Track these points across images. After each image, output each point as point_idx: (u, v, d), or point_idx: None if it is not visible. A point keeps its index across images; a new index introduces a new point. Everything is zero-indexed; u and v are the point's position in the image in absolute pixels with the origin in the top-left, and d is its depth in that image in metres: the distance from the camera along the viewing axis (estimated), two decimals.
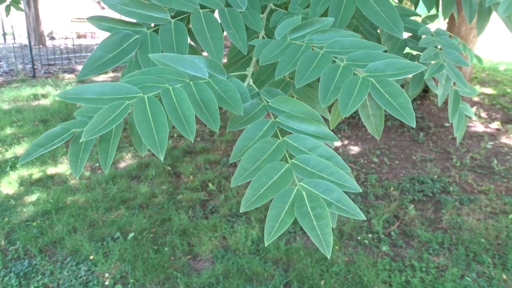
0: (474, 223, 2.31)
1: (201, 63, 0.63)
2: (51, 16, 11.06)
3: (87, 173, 2.97)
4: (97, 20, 0.68)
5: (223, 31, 0.72)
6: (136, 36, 0.69)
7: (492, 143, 3.49)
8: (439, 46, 0.84)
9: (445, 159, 3.22)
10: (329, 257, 0.50)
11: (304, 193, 0.51)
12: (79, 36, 10.40)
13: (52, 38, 10.79)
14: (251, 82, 0.73)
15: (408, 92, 0.83)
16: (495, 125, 3.85)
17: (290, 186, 0.52)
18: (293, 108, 0.63)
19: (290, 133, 0.60)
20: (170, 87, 0.54)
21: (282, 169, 0.53)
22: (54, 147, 0.55)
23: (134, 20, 0.69)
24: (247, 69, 0.76)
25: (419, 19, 0.96)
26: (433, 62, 0.80)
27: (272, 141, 0.57)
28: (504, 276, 1.88)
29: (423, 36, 0.87)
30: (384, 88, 0.57)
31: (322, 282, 1.86)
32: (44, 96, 4.96)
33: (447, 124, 3.85)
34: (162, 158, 0.47)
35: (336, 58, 0.64)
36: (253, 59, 0.77)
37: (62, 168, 3.05)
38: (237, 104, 0.57)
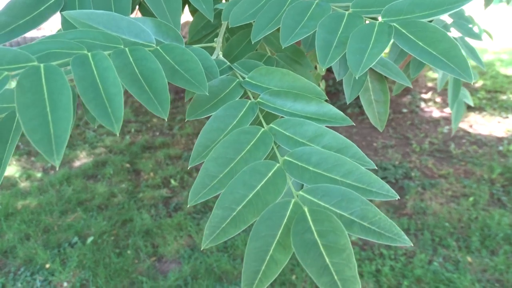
0: (437, 207, 2.36)
1: (148, 26, 0.45)
2: None
3: (39, 175, 2.78)
4: None
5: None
6: None
7: (448, 127, 3.59)
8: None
9: (405, 145, 3.28)
10: None
11: (305, 208, 0.33)
12: None
13: None
14: (221, 56, 0.55)
15: (409, 75, 0.74)
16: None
17: (283, 199, 0.34)
18: (281, 81, 0.45)
19: (280, 117, 0.43)
20: (89, 54, 0.36)
21: (269, 172, 0.35)
22: None
23: None
24: (215, 39, 0.59)
25: None
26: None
27: (251, 131, 0.39)
28: (469, 259, 1.92)
29: None
30: (415, 34, 0.40)
31: (294, 276, 1.83)
32: None
33: (405, 110, 3.92)
34: (57, 165, 0.30)
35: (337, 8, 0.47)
36: (221, 28, 0.61)
37: (11, 170, 2.84)
38: (198, 79, 0.39)
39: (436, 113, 3.88)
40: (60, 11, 0.48)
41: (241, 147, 0.38)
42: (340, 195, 0.33)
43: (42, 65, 0.34)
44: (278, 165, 0.36)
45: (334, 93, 3.85)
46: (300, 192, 0.35)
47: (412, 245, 0.32)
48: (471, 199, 2.43)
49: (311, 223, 0.32)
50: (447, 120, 3.74)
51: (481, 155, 2.98)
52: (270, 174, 0.35)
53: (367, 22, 0.44)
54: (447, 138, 3.37)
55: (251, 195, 0.34)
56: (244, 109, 0.42)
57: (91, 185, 2.66)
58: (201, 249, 0.32)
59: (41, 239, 2.11)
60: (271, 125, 0.41)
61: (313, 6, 0.47)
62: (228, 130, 0.40)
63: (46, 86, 0.32)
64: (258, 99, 0.44)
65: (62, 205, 2.42)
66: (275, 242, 0.32)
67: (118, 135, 0.44)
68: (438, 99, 4.17)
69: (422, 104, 4.04)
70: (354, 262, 0.30)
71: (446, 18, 0.80)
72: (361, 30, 0.42)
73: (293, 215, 0.33)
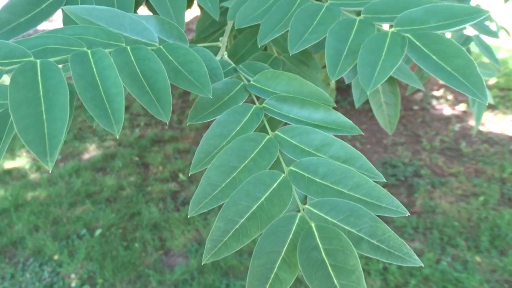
0: (447, 206, 2.33)
1: (151, 24, 0.44)
2: None
3: None
4: None
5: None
6: None
7: (459, 125, 3.55)
8: None
9: (415, 142, 3.25)
10: None
11: (312, 224, 0.31)
12: None
13: None
14: (225, 57, 0.54)
15: (422, 76, 0.71)
16: (462, 107, 3.91)
17: (288, 212, 0.33)
18: (287, 86, 0.43)
19: (285, 124, 0.41)
20: (89, 51, 0.35)
21: (274, 183, 0.34)
22: None
23: None
24: (220, 39, 0.57)
25: None
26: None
27: (256, 138, 0.38)
28: (478, 259, 1.90)
29: (443, 3, 0.74)
30: (429, 47, 0.38)
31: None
32: None
33: (416, 107, 3.88)
34: (50, 168, 0.29)
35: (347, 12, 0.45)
36: (227, 26, 0.59)
37: (21, 161, 2.87)
38: (202, 81, 0.37)
39: (447, 111, 3.84)
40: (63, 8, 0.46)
41: (244, 155, 0.36)
42: (348, 210, 0.32)
43: (38, 61, 0.32)
44: (283, 175, 0.35)
45: (344, 89, 3.82)
46: (307, 206, 0.33)
47: (423, 265, 0.31)
48: (481, 198, 2.40)
49: (318, 240, 0.30)
50: (458, 118, 3.69)
51: (492, 154, 2.94)
52: (275, 185, 0.34)
53: (381, 29, 0.43)
54: (458, 136, 3.33)
55: (255, 207, 0.32)
56: (249, 115, 0.40)
57: (100, 178, 2.67)
58: (202, 264, 0.31)
59: (50, 231, 2.12)
60: (276, 132, 0.39)
61: (323, 9, 0.45)
62: (232, 136, 0.39)
63: (42, 83, 0.30)
64: (264, 104, 0.42)
65: (71, 197, 2.43)
66: (280, 259, 0.30)
67: (118, 137, 0.40)
68: (449, 97, 4.12)
69: (434, 102, 4.00)
70: (364, 285, 0.29)
71: None
72: (372, 40, 0.40)
73: (299, 231, 0.31)
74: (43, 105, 0.29)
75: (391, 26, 0.42)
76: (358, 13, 0.45)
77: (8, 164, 2.84)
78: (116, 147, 3.12)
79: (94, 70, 0.33)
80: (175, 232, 2.10)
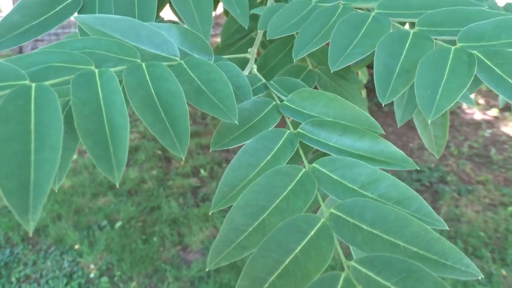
0: (473, 215, 2.26)
1: (172, 34, 0.38)
2: None
3: (74, 156, 2.86)
4: None
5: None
6: None
7: (490, 131, 3.43)
8: None
9: None
10: None
11: None
12: None
13: None
14: (255, 70, 0.48)
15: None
16: (493, 112, 3.79)
17: (328, 270, 0.27)
18: (326, 108, 0.37)
19: (324, 154, 0.34)
20: (96, 70, 0.30)
21: (311, 231, 0.28)
22: None
23: None
24: (249, 49, 0.51)
25: None
26: None
27: (289, 172, 0.32)
28: (504, 272, 1.83)
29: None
30: (503, 67, 0.31)
31: None
32: None
33: None
34: (31, 229, 0.21)
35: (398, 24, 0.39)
36: (257, 36, 0.54)
37: None
38: (227, 104, 0.32)
39: (478, 116, 3.72)
40: (78, 12, 0.42)
41: (275, 192, 0.30)
42: (405, 270, 0.25)
43: (33, 85, 0.26)
44: (322, 220, 0.28)
45: (370, 89, 3.76)
46: (353, 263, 0.26)
47: None
48: (510, 208, 2.31)
49: None
50: (489, 123, 3.57)
51: None
52: (312, 233, 0.27)
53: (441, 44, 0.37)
54: (488, 142, 3.22)
55: (287, 260, 0.26)
56: (281, 141, 0.34)
57: None
58: None
59: (72, 220, 2.16)
60: (313, 164, 0.33)
61: (369, 20, 0.39)
62: (261, 167, 0.33)
63: (35, 114, 0.24)
64: (299, 130, 0.36)
65: (94, 187, 2.47)
66: None
67: (118, 186, 0.23)
68: (481, 101, 3.99)
69: (464, 105, 3.88)
70: None
71: None
72: (432, 57, 0.34)
73: None
74: (32, 142, 0.23)
75: (449, 42, 0.36)
76: (412, 26, 0.39)
77: None
78: (140, 140, 3.15)
79: (100, 95, 0.28)
80: (194, 228, 2.11)
